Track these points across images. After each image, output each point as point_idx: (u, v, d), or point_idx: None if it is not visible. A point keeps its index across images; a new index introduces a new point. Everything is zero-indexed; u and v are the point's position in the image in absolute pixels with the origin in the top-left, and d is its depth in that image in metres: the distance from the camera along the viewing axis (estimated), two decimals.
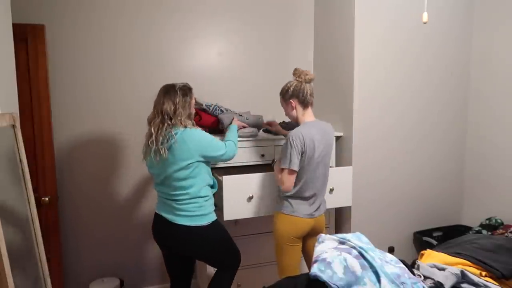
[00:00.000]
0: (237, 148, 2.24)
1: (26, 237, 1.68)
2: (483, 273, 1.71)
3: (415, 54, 2.84)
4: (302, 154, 2.09)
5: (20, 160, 1.70)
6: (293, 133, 2.09)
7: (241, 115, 2.62)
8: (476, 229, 2.72)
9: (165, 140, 1.95)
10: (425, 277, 1.63)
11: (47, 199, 2.46)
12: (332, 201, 2.60)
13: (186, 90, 2.07)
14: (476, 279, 1.63)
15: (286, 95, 2.21)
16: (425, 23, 1.82)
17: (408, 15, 2.74)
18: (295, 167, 2.06)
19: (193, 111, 2.14)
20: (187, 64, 2.94)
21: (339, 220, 2.93)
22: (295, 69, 2.23)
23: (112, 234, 2.87)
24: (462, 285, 1.60)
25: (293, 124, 2.76)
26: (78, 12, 2.65)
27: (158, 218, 2.11)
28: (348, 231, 2.81)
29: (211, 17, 2.96)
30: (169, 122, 1.98)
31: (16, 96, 1.90)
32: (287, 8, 3.16)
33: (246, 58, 3.08)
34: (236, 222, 2.59)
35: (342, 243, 1.57)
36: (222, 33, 3.01)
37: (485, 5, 2.89)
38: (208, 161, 2.08)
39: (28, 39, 2.37)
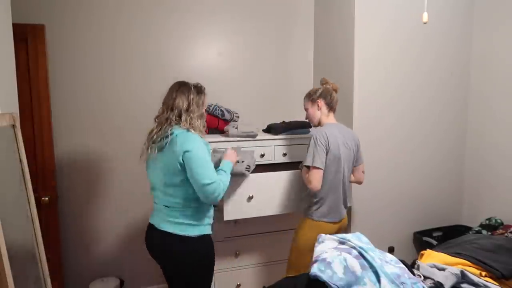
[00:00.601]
0: (223, 193, 1.84)
1: (26, 237, 1.68)
2: (483, 273, 1.71)
3: (415, 54, 2.84)
4: (327, 152, 2.10)
5: (20, 160, 1.69)
6: (317, 131, 2.13)
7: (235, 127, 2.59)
8: (476, 229, 2.72)
9: (159, 139, 1.81)
10: (425, 277, 1.63)
11: (47, 199, 2.46)
12: None
13: (200, 88, 1.93)
14: (476, 279, 1.63)
15: (314, 95, 2.25)
16: (425, 23, 1.81)
17: (408, 15, 2.74)
18: (320, 164, 2.06)
19: (205, 113, 1.97)
20: (187, 64, 2.94)
21: None
22: (323, 78, 2.32)
23: (112, 234, 2.87)
24: (462, 285, 1.60)
25: (294, 123, 2.77)
26: (78, 12, 2.65)
27: (148, 226, 1.95)
28: (348, 231, 2.81)
29: (211, 17, 2.96)
30: (176, 119, 1.82)
31: (16, 96, 1.89)
32: (287, 8, 3.16)
33: (246, 58, 3.08)
34: (236, 222, 2.59)
35: (342, 243, 1.57)
36: (222, 33, 3.01)
37: (485, 5, 2.89)
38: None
39: (28, 39, 2.37)
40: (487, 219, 2.72)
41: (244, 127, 2.62)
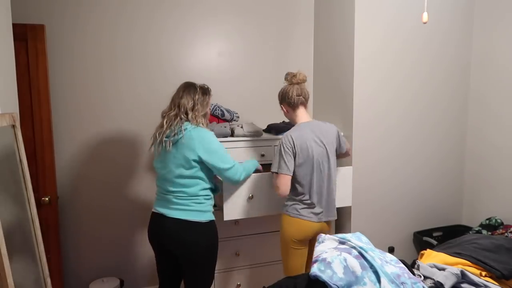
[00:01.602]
0: (245, 179, 2.20)
1: (26, 237, 1.68)
2: (483, 273, 1.71)
3: (415, 54, 2.84)
4: (295, 156, 2.09)
5: (20, 160, 1.70)
6: (283, 136, 2.12)
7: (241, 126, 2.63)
8: (476, 229, 2.72)
9: (173, 134, 1.93)
10: (425, 277, 1.63)
11: (47, 199, 2.46)
12: None
13: (205, 89, 2.09)
14: (476, 279, 1.63)
15: (279, 100, 2.28)
16: (425, 23, 1.81)
17: (408, 15, 2.74)
18: (285, 171, 2.06)
19: (209, 112, 2.15)
20: (187, 64, 2.94)
21: (339, 220, 2.93)
22: (286, 73, 2.27)
23: (112, 234, 2.87)
24: (462, 285, 1.60)
25: (292, 124, 2.77)
26: (78, 12, 2.65)
27: (154, 215, 2.07)
28: (348, 231, 2.81)
29: (211, 17, 2.96)
30: (183, 116, 1.97)
31: (16, 96, 1.90)
32: (287, 8, 3.16)
33: (246, 58, 3.08)
34: (236, 222, 2.59)
35: (342, 243, 1.57)
36: (222, 33, 3.01)
37: (485, 5, 2.89)
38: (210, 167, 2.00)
39: (28, 39, 2.37)
40: (487, 219, 2.72)
41: (249, 126, 2.63)
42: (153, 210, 2.09)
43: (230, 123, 2.75)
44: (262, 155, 2.61)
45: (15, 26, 1.88)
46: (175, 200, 1.97)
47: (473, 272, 1.68)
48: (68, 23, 2.64)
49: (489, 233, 2.61)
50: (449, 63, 2.96)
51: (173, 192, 1.98)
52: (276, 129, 2.71)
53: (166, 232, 1.99)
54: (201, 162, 1.95)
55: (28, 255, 1.68)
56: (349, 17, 2.69)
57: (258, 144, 2.61)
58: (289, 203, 2.19)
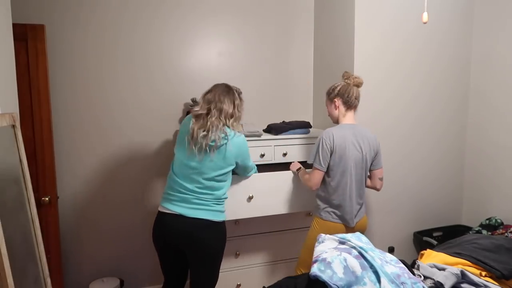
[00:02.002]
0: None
1: (26, 237, 1.68)
2: (483, 273, 1.71)
3: (415, 54, 2.84)
4: (332, 153, 2.09)
5: (20, 160, 1.69)
6: (325, 132, 2.13)
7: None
8: (476, 229, 2.72)
9: (218, 139, 1.91)
10: (425, 277, 1.63)
11: (47, 199, 2.46)
12: None
13: (240, 94, 2.11)
14: (476, 279, 1.63)
15: (332, 94, 2.23)
16: (425, 23, 1.82)
17: (408, 15, 2.74)
18: (320, 165, 2.08)
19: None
20: (187, 64, 2.94)
21: None
22: (345, 72, 2.27)
23: (112, 234, 2.87)
24: (462, 285, 1.60)
25: (294, 123, 2.77)
26: (78, 12, 2.65)
27: (165, 215, 2.00)
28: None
29: (211, 17, 2.96)
30: (224, 122, 1.96)
31: (16, 96, 1.89)
32: (287, 8, 3.16)
33: (246, 58, 3.08)
34: (236, 222, 2.59)
35: (342, 243, 1.57)
36: (222, 33, 3.01)
37: (485, 6, 2.89)
38: (236, 168, 2.10)
39: (28, 39, 2.37)
40: (487, 219, 2.72)
41: (249, 127, 2.64)
42: (164, 210, 2.02)
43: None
44: (262, 155, 2.61)
45: (15, 26, 1.88)
46: (196, 200, 1.96)
47: (473, 272, 1.68)
48: (68, 23, 2.64)
49: (489, 233, 2.61)
50: (449, 63, 2.96)
51: (196, 192, 1.96)
52: (276, 129, 2.71)
53: (182, 232, 1.95)
54: (235, 167, 2.05)
55: (28, 255, 1.68)
56: (349, 17, 2.69)
57: (258, 144, 2.61)
58: (321, 205, 2.19)
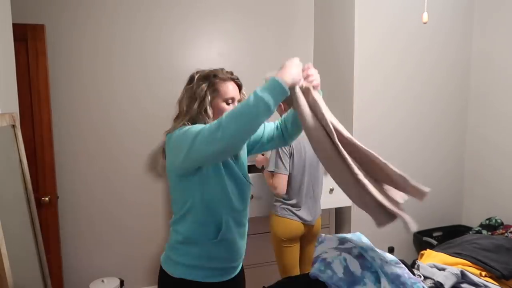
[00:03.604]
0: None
1: (26, 237, 1.68)
2: (483, 273, 1.71)
3: (415, 55, 2.84)
4: (291, 156, 2.12)
5: (20, 160, 1.70)
6: None
7: None
8: (476, 229, 2.72)
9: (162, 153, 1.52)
10: (425, 277, 1.63)
11: (47, 199, 2.46)
12: (332, 201, 2.60)
13: (197, 75, 1.55)
14: (476, 279, 1.63)
15: None
16: (425, 23, 1.81)
17: (408, 15, 2.74)
18: (282, 170, 2.09)
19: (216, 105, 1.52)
20: (188, 64, 2.93)
21: (339, 220, 2.93)
22: None
23: (112, 234, 2.87)
24: (462, 285, 1.60)
25: None
26: (78, 12, 2.65)
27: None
28: (348, 231, 2.81)
29: (210, 17, 2.96)
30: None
31: (16, 96, 1.90)
32: (287, 8, 3.15)
33: (246, 58, 3.07)
34: None
35: (342, 243, 1.57)
36: (222, 33, 3.01)
37: (485, 6, 2.89)
38: None
39: (28, 39, 2.37)
40: (487, 219, 2.72)
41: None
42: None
43: None
44: (262, 155, 2.61)
45: (15, 26, 1.88)
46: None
47: (473, 272, 1.68)
48: (68, 23, 2.64)
49: (489, 233, 2.61)
50: (449, 63, 2.96)
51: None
52: None
53: None
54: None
55: (28, 255, 1.68)
56: (349, 17, 2.68)
57: None
58: (277, 203, 2.23)
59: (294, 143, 2.11)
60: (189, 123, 1.34)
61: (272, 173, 2.13)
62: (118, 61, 2.77)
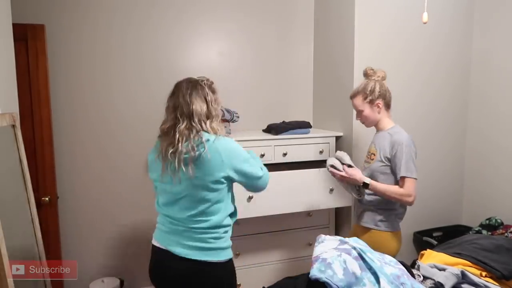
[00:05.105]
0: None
1: (26, 237, 1.68)
2: (483, 274, 1.71)
3: (415, 55, 2.84)
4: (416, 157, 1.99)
5: (20, 160, 1.70)
6: (405, 136, 1.97)
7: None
8: (476, 229, 2.72)
9: (192, 150, 1.49)
10: (425, 278, 1.63)
11: (47, 199, 2.46)
12: (332, 201, 2.61)
13: (212, 85, 1.65)
14: (476, 279, 1.63)
15: (372, 95, 2.01)
16: (425, 23, 1.81)
17: (408, 15, 2.73)
18: (415, 175, 1.93)
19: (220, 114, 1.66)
20: (187, 64, 2.94)
21: (339, 220, 2.93)
22: (368, 69, 2.08)
23: (112, 234, 2.87)
24: (463, 285, 1.60)
25: (294, 123, 2.76)
26: (78, 12, 2.65)
27: (159, 253, 1.61)
28: (348, 231, 2.81)
29: (210, 16, 2.96)
30: (199, 127, 1.54)
31: (16, 96, 1.90)
32: (287, 8, 3.15)
33: (246, 57, 3.08)
34: (236, 222, 2.59)
35: (342, 243, 1.57)
36: (222, 33, 3.01)
37: (485, 6, 2.89)
38: (237, 181, 1.62)
39: (28, 39, 2.37)
40: (487, 219, 2.72)
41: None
42: (156, 243, 1.65)
43: (230, 123, 2.74)
44: (262, 155, 2.61)
45: (15, 26, 1.88)
46: (192, 235, 1.56)
47: (473, 272, 1.68)
48: (68, 23, 2.64)
49: (489, 233, 2.61)
50: (449, 64, 2.96)
51: (190, 222, 1.56)
52: (276, 129, 2.71)
53: (171, 276, 1.58)
54: (228, 178, 1.57)
55: (28, 255, 1.68)
56: (349, 17, 2.68)
57: (259, 144, 2.61)
58: (389, 217, 2.03)
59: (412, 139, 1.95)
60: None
61: (407, 179, 1.91)
62: (119, 60, 2.77)
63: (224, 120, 2.74)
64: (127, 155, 2.84)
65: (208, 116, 1.58)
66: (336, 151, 2.14)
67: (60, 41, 2.62)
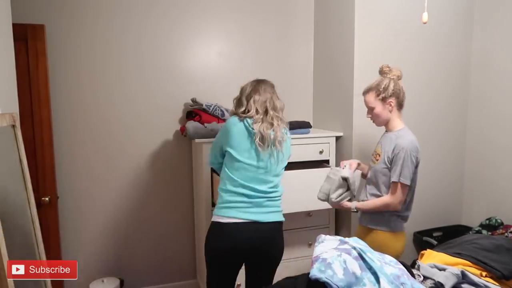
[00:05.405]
0: None
1: (26, 237, 1.68)
2: (484, 273, 1.71)
3: (416, 55, 2.84)
4: (417, 166, 1.99)
5: (20, 160, 1.69)
6: (409, 142, 1.96)
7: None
8: (476, 229, 2.72)
9: (282, 136, 1.93)
10: (425, 278, 1.63)
11: (47, 199, 2.46)
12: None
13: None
14: (476, 279, 1.63)
15: (384, 93, 1.99)
16: (425, 23, 1.81)
17: (408, 16, 2.73)
18: (408, 181, 1.94)
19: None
20: (187, 64, 2.94)
21: (339, 220, 2.93)
22: (384, 66, 2.06)
23: (112, 234, 2.87)
24: (463, 285, 1.60)
25: (294, 123, 2.76)
26: (78, 12, 2.65)
27: (236, 225, 1.85)
28: (348, 231, 2.82)
29: (210, 17, 2.96)
30: (282, 118, 1.97)
31: (16, 96, 1.89)
32: (287, 8, 3.15)
33: (246, 58, 3.08)
34: None
35: (342, 243, 1.57)
36: (222, 33, 3.01)
37: (485, 5, 2.89)
38: None
39: (28, 39, 2.37)
40: (487, 219, 2.72)
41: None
42: (230, 220, 1.86)
43: None
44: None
45: (15, 26, 1.88)
46: (268, 202, 1.93)
47: (473, 272, 1.68)
48: (68, 23, 2.64)
49: (489, 233, 2.61)
50: (449, 64, 2.96)
51: (268, 193, 1.93)
52: None
53: (261, 240, 1.89)
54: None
55: (28, 255, 1.68)
56: (349, 17, 2.68)
57: None
58: (391, 217, 2.03)
59: (419, 150, 1.98)
60: None
61: (398, 184, 1.94)
62: (119, 60, 2.77)
63: (224, 120, 2.74)
64: (127, 155, 2.85)
65: (282, 110, 2.03)
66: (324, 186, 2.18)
67: (60, 41, 2.62)
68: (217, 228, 1.90)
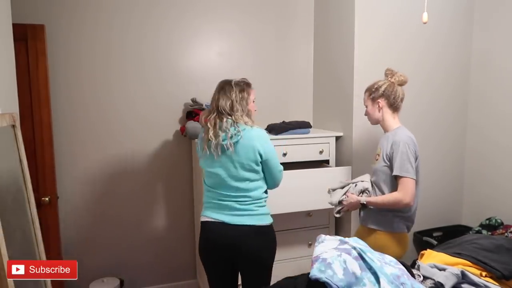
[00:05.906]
0: None
1: (26, 237, 1.68)
2: (483, 273, 1.71)
3: (416, 55, 2.84)
4: (416, 159, 1.99)
5: (20, 160, 1.69)
6: (404, 135, 1.98)
7: None
8: (476, 229, 2.72)
9: (230, 137, 1.84)
10: (425, 278, 1.63)
11: (47, 199, 2.46)
12: None
13: (242, 85, 1.99)
14: (476, 279, 1.63)
15: (375, 93, 2.05)
16: (425, 23, 1.81)
17: (408, 16, 2.73)
18: (412, 174, 1.93)
19: (253, 109, 2.02)
20: (187, 64, 2.94)
21: (339, 220, 2.93)
22: (388, 69, 2.10)
23: (112, 234, 2.87)
24: (463, 285, 1.60)
25: (294, 123, 2.76)
26: (78, 12, 2.65)
27: (212, 224, 1.93)
28: (348, 231, 2.81)
29: (210, 17, 2.96)
30: (235, 119, 1.88)
31: (16, 96, 1.90)
32: (287, 8, 3.15)
33: (246, 58, 3.08)
34: None
35: (342, 243, 1.57)
36: (222, 33, 3.01)
37: (485, 5, 2.89)
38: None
39: (28, 39, 2.37)
40: (487, 219, 2.72)
41: None
42: (206, 218, 1.96)
43: None
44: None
45: (15, 26, 1.88)
46: (237, 205, 1.90)
47: (473, 272, 1.68)
48: (68, 23, 2.64)
49: (489, 233, 2.61)
50: (449, 64, 2.96)
51: (235, 197, 1.90)
52: (276, 129, 2.71)
53: (227, 240, 1.89)
54: (261, 162, 1.91)
55: (28, 255, 1.68)
56: (349, 17, 2.68)
57: None
58: (394, 218, 2.02)
59: (416, 143, 1.98)
60: None
61: (403, 179, 1.91)
62: (119, 60, 2.77)
63: None
64: (127, 155, 2.85)
65: (238, 110, 1.91)
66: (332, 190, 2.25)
67: (60, 41, 2.62)
68: (201, 227, 2.00)
